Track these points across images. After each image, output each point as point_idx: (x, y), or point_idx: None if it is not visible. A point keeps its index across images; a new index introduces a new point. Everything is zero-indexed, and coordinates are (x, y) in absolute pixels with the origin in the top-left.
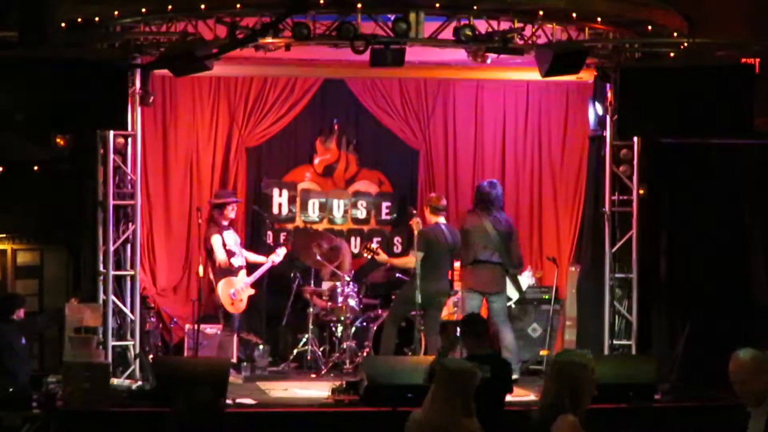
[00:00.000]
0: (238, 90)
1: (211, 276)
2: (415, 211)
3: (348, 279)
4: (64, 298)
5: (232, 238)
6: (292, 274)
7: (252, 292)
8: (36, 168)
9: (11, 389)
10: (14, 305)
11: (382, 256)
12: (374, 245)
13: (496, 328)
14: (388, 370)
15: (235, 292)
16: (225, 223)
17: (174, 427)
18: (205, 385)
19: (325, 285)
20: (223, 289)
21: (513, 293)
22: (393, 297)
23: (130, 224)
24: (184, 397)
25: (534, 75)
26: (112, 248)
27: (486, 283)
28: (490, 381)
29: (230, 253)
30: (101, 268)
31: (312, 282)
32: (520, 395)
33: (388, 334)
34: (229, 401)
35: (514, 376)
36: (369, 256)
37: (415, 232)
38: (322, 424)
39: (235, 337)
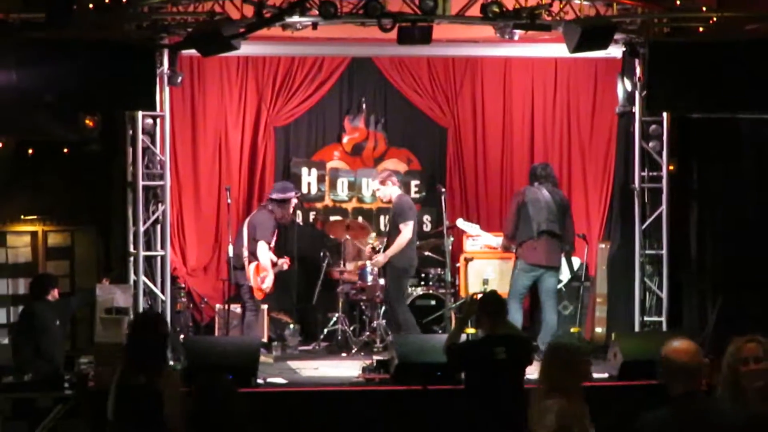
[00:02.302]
0: (265, 69)
1: (246, 254)
2: (444, 189)
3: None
4: (94, 279)
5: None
6: (321, 254)
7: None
8: (65, 149)
9: (45, 370)
10: (49, 285)
11: (378, 259)
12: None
13: (541, 305)
14: (418, 349)
15: (263, 279)
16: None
17: (191, 409)
18: (223, 372)
19: (350, 265)
20: (253, 272)
21: (564, 274)
22: (423, 275)
23: (160, 205)
24: (202, 383)
25: (562, 51)
26: (142, 229)
27: (548, 257)
28: (506, 362)
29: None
30: (131, 249)
31: (342, 262)
32: None
33: (406, 315)
34: (260, 380)
35: None
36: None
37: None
38: (352, 402)
39: (260, 317)
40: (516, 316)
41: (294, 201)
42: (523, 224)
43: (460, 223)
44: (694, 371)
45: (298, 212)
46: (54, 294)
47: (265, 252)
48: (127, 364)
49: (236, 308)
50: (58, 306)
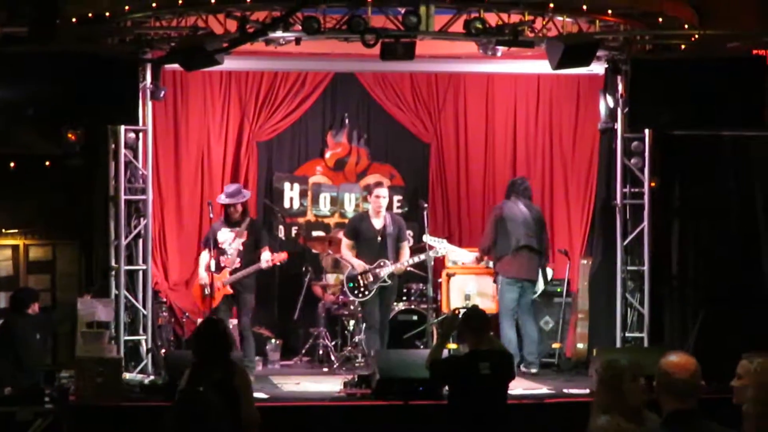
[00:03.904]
0: (248, 84)
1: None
2: (426, 205)
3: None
4: (76, 293)
5: (229, 235)
6: (303, 269)
7: (229, 292)
8: (47, 163)
9: (25, 384)
10: (29, 299)
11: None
12: None
13: (519, 319)
14: (400, 364)
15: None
16: (233, 219)
17: (170, 424)
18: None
19: (330, 277)
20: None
21: (538, 284)
22: (405, 290)
23: (142, 219)
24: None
25: (545, 67)
26: (123, 243)
27: (526, 270)
28: (490, 377)
29: (220, 251)
30: (113, 263)
31: (324, 277)
32: (532, 388)
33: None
34: None
35: (533, 370)
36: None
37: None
38: (334, 418)
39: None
40: (510, 333)
41: (221, 204)
42: (501, 239)
43: (427, 238)
44: (689, 389)
45: (281, 227)
46: (34, 308)
47: (201, 258)
48: (198, 365)
49: None
50: (38, 320)
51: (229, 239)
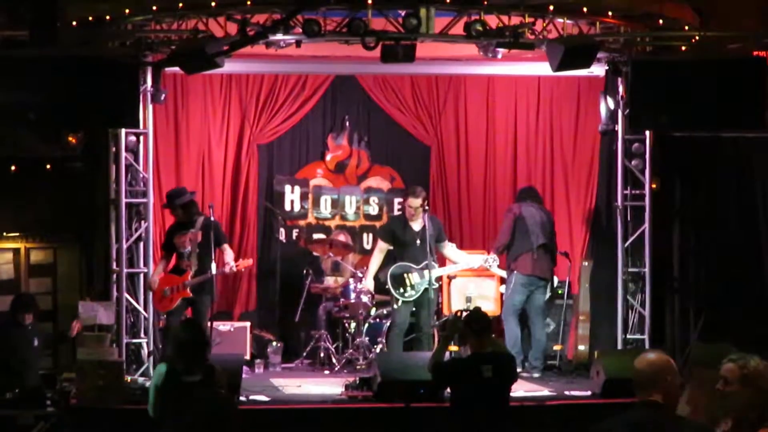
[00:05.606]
0: (249, 87)
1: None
2: (427, 207)
3: (360, 275)
4: (77, 296)
5: (183, 238)
6: (304, 271)
7: (187, 294)
8: (48, 166)
9: (24, 387)
10: (24, 308)
11: None
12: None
13: (530, 320)
14: (401, 366)
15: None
16: (182, 221)
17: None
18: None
19: (329, 279)
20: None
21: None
22: None
23: (143, 222)
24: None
25: (545, 69)
26: (124, 246)
27: (545, 269)
28: (492, 380)
29: (179, 255)
30: (114, 266)
31: (325, 279)
32: (534, 390)
33: None
34: (242, 398)
35: (536, 375)
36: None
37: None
38: (335, 420)
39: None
40: (516, 331)
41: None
42: (521, 237)
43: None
44: (648, 381)
45: (281, 230)
46: (29, 318)
47: (160, 264)
48: (178, 363)
49: (219, 325)
50: (34, 329)
51: (184, 242)
